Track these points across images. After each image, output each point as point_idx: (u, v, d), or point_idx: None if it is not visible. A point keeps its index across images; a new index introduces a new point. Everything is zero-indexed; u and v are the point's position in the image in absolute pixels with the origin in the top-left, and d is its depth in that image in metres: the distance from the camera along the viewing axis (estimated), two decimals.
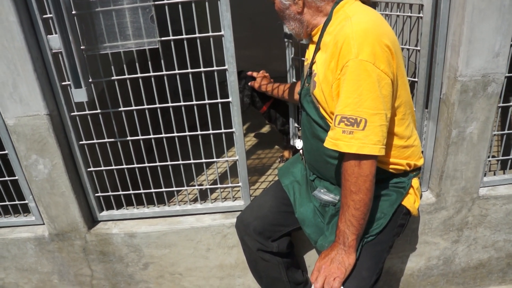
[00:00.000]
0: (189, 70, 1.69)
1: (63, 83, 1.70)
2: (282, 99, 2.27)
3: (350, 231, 1.30)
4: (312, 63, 1.46)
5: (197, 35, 1.63)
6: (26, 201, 1.93)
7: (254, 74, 2.35)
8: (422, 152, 1.87)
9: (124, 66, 1.72)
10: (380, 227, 1.42)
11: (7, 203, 1.99)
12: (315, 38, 1.46)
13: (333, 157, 1.43)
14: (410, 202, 1.50)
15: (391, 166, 1.43)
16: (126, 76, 1.70)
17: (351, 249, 1.32)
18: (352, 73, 1.21)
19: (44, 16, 1.58)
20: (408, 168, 1.46)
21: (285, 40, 2.02)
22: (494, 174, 1.97)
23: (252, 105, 2.48)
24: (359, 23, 1.25)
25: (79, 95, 1.60)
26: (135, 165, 1.91)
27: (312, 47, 1.51)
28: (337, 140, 1.25)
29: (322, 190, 1.54)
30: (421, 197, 1.89)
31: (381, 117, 1.22)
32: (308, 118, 1.50)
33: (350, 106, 1.22)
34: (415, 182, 1.52)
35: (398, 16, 1.74)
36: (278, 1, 1.44)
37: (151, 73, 1.69)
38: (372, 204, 1.43)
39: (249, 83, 2.35)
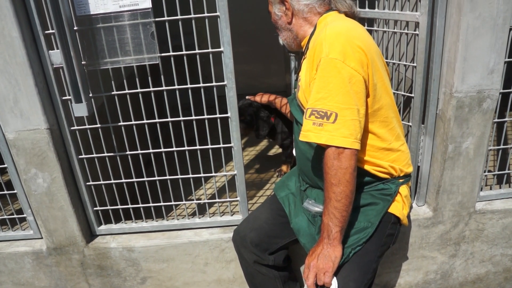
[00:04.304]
0: (188, 86, 1.70)
1: (64, 98, 1.72)
2: (281, 111, 2.28)
3: (333, 223, 1.31)
4: (299, 70, 1.53)
5: (197, 51, 1.65)
6: (24, 215, 1.93)
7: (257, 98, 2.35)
8: (419, 167, 1.90)
9: (124, 80, 1.74)
10: (367, 236, 1.42)
11: (5, 216, 1.99)
12: (304, 49, 1.53)
13: (316, 159, 1.45)
14: (398, 209, 1.50)
15: (373, 168, 1.44)
16: (126, 91, 1.72)
17: (336, 241, 1.32)
18: (322, 70, 1.28)
19: (46, 31, 1.60)
20: (394, 172, 1.47)
21: (290, 54, 2.05)
22: (491, 189, 1.98)
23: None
24: (333, 28, 1.33)
25: (80, 109, 1.62)
26: (134, 179, 1.91)
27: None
28: (307, 131, 1.30)
29: (310, 202, 1.56)
30: (411, 208, 1.90)
31: (352, 111, 1.26)
32: (297, 123, 1.54)
33: (321, 101, 1.27)
34: (403, 189, 1.52)
35: (394, 32, 1.77)
36: (273, 12, 1.56)
37: (151, 88, 1.70)
38: (359, 214, 1.46)
39: (249, 97, 2.34)
